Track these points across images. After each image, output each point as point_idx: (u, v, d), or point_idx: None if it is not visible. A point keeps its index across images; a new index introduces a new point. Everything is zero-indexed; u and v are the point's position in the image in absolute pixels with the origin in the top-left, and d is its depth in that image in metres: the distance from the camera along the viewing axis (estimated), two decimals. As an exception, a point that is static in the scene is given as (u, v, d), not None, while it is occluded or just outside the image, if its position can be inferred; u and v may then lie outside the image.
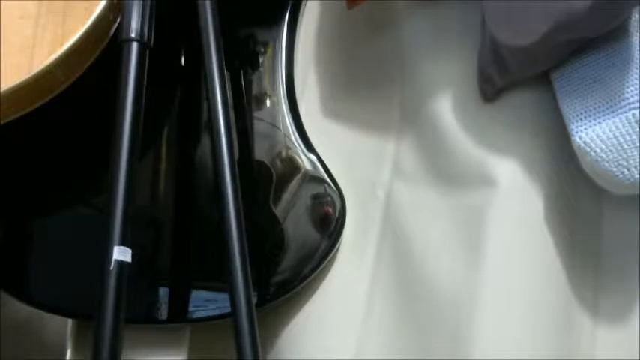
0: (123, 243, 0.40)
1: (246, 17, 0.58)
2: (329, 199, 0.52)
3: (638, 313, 0.46)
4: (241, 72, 0.56)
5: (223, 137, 0.46)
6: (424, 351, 0.46)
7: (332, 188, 0.52)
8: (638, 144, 0.44)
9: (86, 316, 0.50)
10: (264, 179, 0.53)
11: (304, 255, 0.51)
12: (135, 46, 0.45)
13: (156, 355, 0.50)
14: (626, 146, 0.44)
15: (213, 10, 0.49)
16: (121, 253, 0.40)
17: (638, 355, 0.45)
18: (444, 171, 0.50)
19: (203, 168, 0.53)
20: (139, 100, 0.44)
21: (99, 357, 0.38)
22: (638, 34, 0.46)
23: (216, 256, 0.50)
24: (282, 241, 0.51)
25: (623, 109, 0.44)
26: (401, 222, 0.51)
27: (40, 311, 0.51)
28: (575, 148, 0.45)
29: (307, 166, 0.53)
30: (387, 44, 0.57)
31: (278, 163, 0.53)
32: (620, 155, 0.44)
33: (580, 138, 0.45)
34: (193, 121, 0.55)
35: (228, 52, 0.49)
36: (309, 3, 0.59)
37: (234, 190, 0.44)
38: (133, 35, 0.45)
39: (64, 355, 0.52)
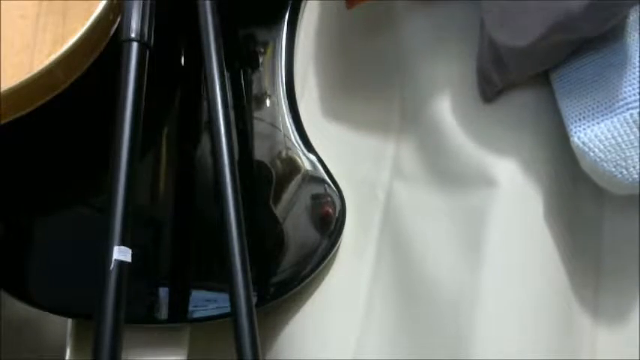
0: (123, 243, 0.40)
1: (246, 17, 0.58)
2: (329, 199, 0.52)
3: (638, 313, 0.46)
4: (241, 72, 0.56)
5: (223, 137, 0.46)
6: (424, 351, 0.46)
7: (332, 188, 0.52)
8: (636, 144, 0.44)
9: (86, 316, 0.50)
10: (264, 179, 0.53)
11: (304, 255, 0.51)
12: (135, 46, 0.45)
13: (156, 355, 0.50)
14: (624, 146, 0.44)
15: (213, 10, 0.49)
16: (121, 253, 0.40)
17: (638, 355, 0.45)
18: (444, 171, 0.50)
19: (203, 168, 0.53)
20: (139, 100, 0.44)
21: (99, 357, 0.38)
22: (636, 33, 0.46)
23: (216, 256, 0.51)
24: (282, 241, 0.51)
25: (622, 109, 0.44)
26: (401, 222, 0.51)
27: (40, 311, 0.51)
28: (574, 148, 0.45)
29: (307, 166, 0.53)
30: (386, 44, 0.57)
31: (278, 163, 0.53)
32: (619, 155, 0.44)
33: (579, 138, 0.45)
34: (193, 121, 0.55)
35: (228, 52, 0.49)
36: (309, 3, 0.59)
37: (234, 190, 0.44)
38: (133, 35, 0.45)
39: (64, 355, 0.52)
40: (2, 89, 0.44)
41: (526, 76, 0.48)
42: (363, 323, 0.49)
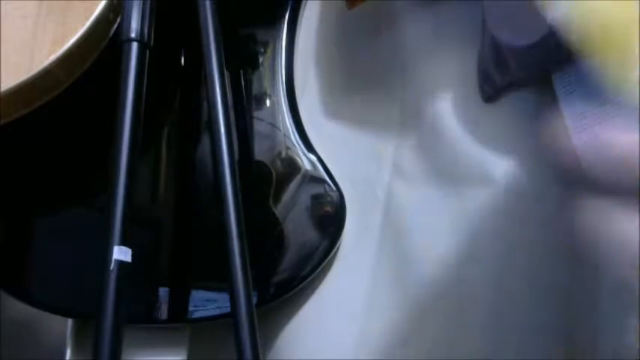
0: (123, 243, 0.40)
1: (246, 17, 0.58)
2: (329, 199, 0.52)
3: (638, 313, 0.46)
4: (241, 72, 0.56)
5: (223, 137, 0.46)
6: (425, 352, 0.46)
7: (332, 188, 0.52)
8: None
9: (86, 316, 0.50)
10: (264, 179, 0.53)
11: (304, 255, 0.51)
12: (135, 46, 0.45)
13: (156, 355, 0.50)
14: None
15: (213, 10, 0.49)
16: (121, 253, 0.40)
17: (638, 355, 0.45)
18: (444, 171, 0.50)
19: (203, 168, 0.53)
20: (139, 100, 0.44)
21: (99, 357, 0.38)
22: (638, 33, 0.46)
23: (216, 257, 0.50)
24: (282, 241, 0.51)
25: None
26: (401, 222, 0.51)
27: (40, 311, 0.51)
28: (575, 148, 0.45)
29: (307, 166, 0.53)
30: (387, 44, 0.57)
31: (278, 163, 0.53)
32: (620, 155, 0.44)
33: (580, 138, 0.45)
34: (193, 121, 0.55)
35: (228, 52, 0.49)
36: (309, 3, 0.59)
37: (234, 191, 0.44)
38: (133, 35, 0.45)
39: (64, 355, 0.52)
40: (2, 89, 0.44)
41: (528, 75, 0.48)
42: (364, 323, 0.49)
